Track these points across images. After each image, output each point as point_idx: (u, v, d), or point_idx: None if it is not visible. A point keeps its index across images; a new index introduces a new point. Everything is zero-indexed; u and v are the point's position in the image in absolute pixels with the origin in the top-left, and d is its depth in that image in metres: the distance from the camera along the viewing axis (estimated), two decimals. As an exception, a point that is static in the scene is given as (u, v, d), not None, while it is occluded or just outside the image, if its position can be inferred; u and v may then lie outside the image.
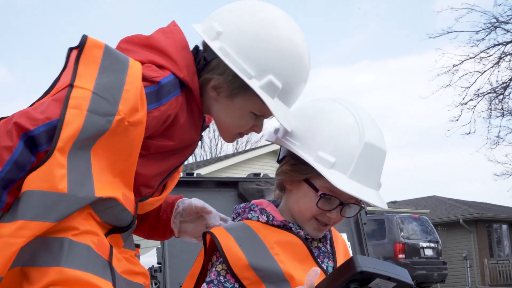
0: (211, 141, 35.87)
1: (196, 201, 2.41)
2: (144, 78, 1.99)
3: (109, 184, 1.94)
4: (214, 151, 35.09)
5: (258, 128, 2.19)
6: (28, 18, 55.13)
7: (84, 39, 1.97)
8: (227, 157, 22.13)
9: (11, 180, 1.81)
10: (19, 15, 54.04)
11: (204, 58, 2.11)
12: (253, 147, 29.49)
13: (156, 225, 2.44)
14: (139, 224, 2.35)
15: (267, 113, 2.12)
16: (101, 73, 1.93)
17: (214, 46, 2.06)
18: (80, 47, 1.97)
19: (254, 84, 2.03)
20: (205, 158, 32.45)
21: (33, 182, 1.80)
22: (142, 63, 2.05)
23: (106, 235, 2.00)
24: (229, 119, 2.16)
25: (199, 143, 2.28)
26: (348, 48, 59.81)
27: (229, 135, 2.22)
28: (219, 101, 2.13)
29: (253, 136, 37.03)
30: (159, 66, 2.06)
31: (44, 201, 1.80)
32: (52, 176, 1.81)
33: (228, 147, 38.62)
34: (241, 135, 2.23)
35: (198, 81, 2.11)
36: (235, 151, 31.14)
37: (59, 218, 1.83)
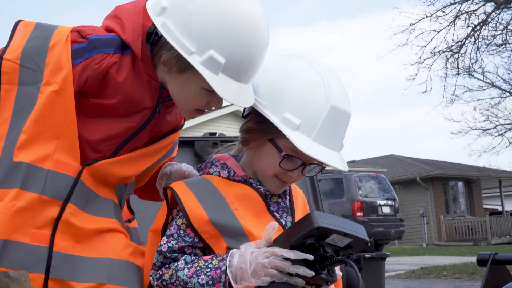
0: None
1: (185, 166, 2.44)
2: (81, 36, 2.10)
3: (34, 151, 2.03)
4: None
5: (216, 103, 2.17)
6: None
7: (17, 22, 2.12)
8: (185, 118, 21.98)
9: None
10: None
11: (156, 33, 2.10)
12: (212, 109, 29.37)
13: (144, 186, 2.50)
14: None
15: None
16: (28, 43, 2.07)
17: (157, 22, 2.05)
18: (14, 27, 2.10)
19: (194, 60, 2.02)
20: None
21: None
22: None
23: (60, 213, 2.06)
24: (182, 95, 2.16)
25: (157, 115, 2.25)
26: (306, 9, 59.76)
27: (186, 112, 2.22)
28: (171, 76, 2.13)
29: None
30: (110, 31, 2.12)
31: None
32: None
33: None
34: (199, 111, 2.21)
35: (151, 52, 2.12)
36: (194, 112, 30.95)
37: None
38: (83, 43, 2.08)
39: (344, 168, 2.18)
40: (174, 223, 2.13)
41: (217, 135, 4.66)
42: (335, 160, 2.15)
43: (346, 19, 65.34)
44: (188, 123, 20.21)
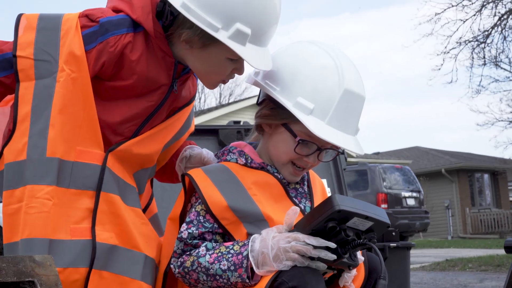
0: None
1: (206, 152, 2.43)
2: (90, 20, 2.07)
3: (62, 144, 2.02)
4: (198, 104, 34.95)
5: (239, 70, 2.18)
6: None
7: (19, 16, 2.09)
8: (210, 110, 22.08)
9: None
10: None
11: (171, 12, 2.09)
12: (237, 99, 29.38)
13: (164, 168, 2.49)
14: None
15: None
16: (38, 35, 2.05)
17: (176, 3, 2.04)
18: (16, 21, 2.08)
19: (222, 36, 2.03)
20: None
21: (7, 155, 2.00)
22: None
23: (96, 203, 2.06)
24: (206, 68, 2.16)
25: (174, 91, 2.25)
26: (328, 0, 59.44)
27: (210, 83, 2.22)
28: (193, 52, 2.13)
29: (237, 89, 36.92)
30: (118, 11, 2.10)
31: (12, 171, 2.00)
32: (16, 148, 2.00)
33: (211, 101, 38.53)
34: (223, 81, 2.21)
35: (164, 30, 2.11)
36: (218, 104, 31.06)
37: (25, 183, 1.98)
38: (94, 26, 2.06)
39: (360, 151, 2.17)
40: (194, 209, 2.12)
41: (241, 123, 4.68)
42: (350, 143, 2.14)
43: (370, 9, 64.92)
44: (212, 115, 20.27)
